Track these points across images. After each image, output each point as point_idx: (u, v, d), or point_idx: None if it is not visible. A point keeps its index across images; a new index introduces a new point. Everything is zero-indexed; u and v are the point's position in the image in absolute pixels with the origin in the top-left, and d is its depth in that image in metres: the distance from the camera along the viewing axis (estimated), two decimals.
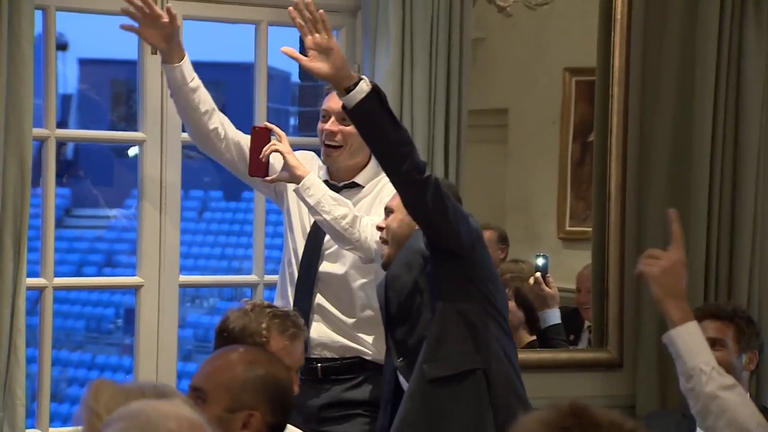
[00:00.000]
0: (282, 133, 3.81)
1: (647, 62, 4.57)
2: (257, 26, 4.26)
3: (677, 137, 4.53)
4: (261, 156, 3.74)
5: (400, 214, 3.52)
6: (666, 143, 4.54)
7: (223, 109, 3.92)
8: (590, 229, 4.67)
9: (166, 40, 3.71)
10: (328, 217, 3.65)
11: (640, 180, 4.58)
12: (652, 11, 4.55)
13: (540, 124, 4.82)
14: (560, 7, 4.65)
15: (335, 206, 3.66)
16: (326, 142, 3.83)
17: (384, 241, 3.59)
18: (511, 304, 4.49)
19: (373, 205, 3.77)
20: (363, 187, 3.84)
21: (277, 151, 3.73)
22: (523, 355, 4.15)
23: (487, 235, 4.68)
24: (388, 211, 3.60)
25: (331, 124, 3.81)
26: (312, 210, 3.70)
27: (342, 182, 3.85)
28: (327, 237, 3.82)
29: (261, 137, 3.78)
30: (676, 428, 3.99)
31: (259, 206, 4.37)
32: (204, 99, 3.80)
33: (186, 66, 3.75)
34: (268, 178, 3.80)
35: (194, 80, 3.77)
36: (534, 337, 4.54)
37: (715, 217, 4.50)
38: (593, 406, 1.75)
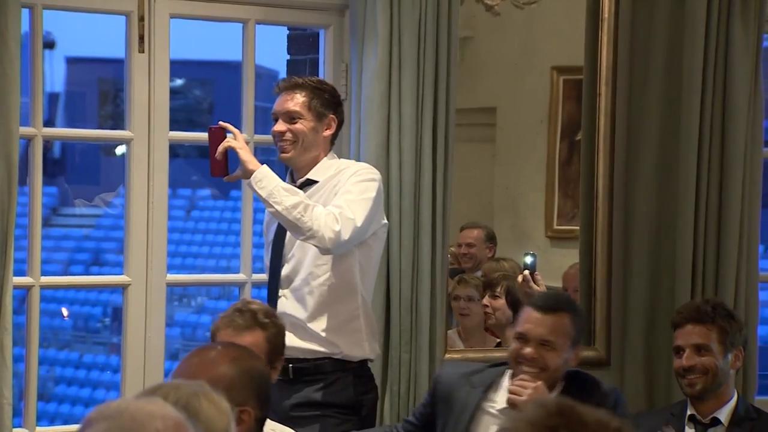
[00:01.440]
0: (236, 130, 3.82)
1: (634, 61, 4.58)
2: (245, 25, 4.26)
3: (664, 136, 4.54)
4: (216, 155, 3.76)
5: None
6: (653, 142, 4.55)
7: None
8: (578, 227, 4.68)
9: None
10: (280, 208, 3.66)
11: (627, 179, 4.59)
12: (639, 10, 4.56)
13: (528, 122, 4.82)
14: (548, 6, 4.65)
15: (287, 196, 3.66)
16: (278, 142, 3.86)
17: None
18: (501, 302, 4.51)
19: (330, 197, 3.77)
20: (317, 182, 3.85)
21: (230, 147, 3.75)
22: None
23: (475, 233, 4.70)
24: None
25: (278, 125, 3.85)
26: (265, 202, 3.70)
27: (299, 180, 3.86)
28: (287, 240, 3.83)
29: (217, 137, 3.78)
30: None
31: (247, 205, 4.36)
32: None
33: None
34: (226, 177, 3.81)
35: None
36: None
37: (702, 216, 4.51)
38: (580, 404, 1.75)
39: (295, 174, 3.88)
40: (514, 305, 4.44)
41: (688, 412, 3.96)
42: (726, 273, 4.51)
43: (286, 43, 4.91)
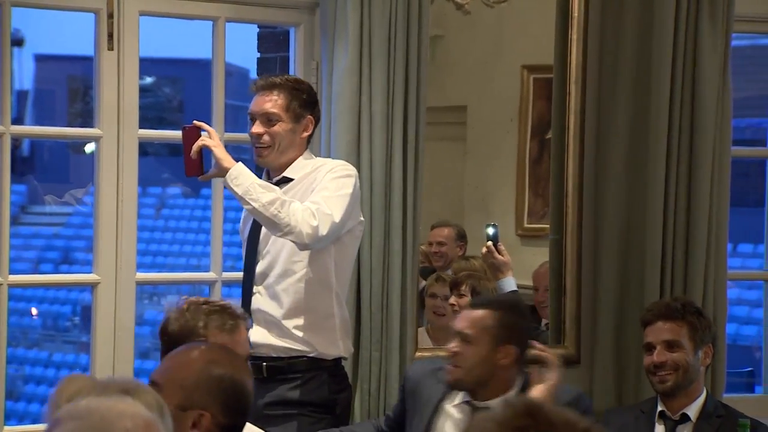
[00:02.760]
0: (210, 129, 3.81)
1: (604, 60, 4.59)
2: (215, 22, 4.24)
3: (633, 135, 4.55)
4: (191, 154, 3.74)
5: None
6: (623, 141, 4.56)
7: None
8: (548, 226, 4.69)
9: None
10: (256, 205, 3.64)
11: (597, 177, 4.60)
12: (608, 9, 4.57)
13: (498, 121, 4.82)
14: (518, 5, 4.65)
15: (263, 193, 3.65)
16: (255, 144, 3.84)
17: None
18: (466, 300, 4.51)
19: (306, 194, 3.76)
20: (292, 180, 3.84)
21: (204, 145, 3.73)
22: None
23: (446, 232, 4.70)
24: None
25: (256, 127, 3.84)
26: (241, 200, 3.68)
27: (274, 178, 3.84)
28: (261, 237, 3.82)
29: (191, 136, 3.76)
30: (635, 424, 4.02)
31: (218, 203, 4.35)
32: None
33: None
34: (201, 176, 3.79)
35: None
36: None
37: (671, 214, 4.53)
38: (547, 404, 1.75)
39: (272, 172, 3.87)
40: None
41: (659, 409, 3.98)
42: (695, 271, 4.53)
43: (256, 41, 4.90)
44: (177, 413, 2.48)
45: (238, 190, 3.67)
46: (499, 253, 4.39)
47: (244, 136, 4.14)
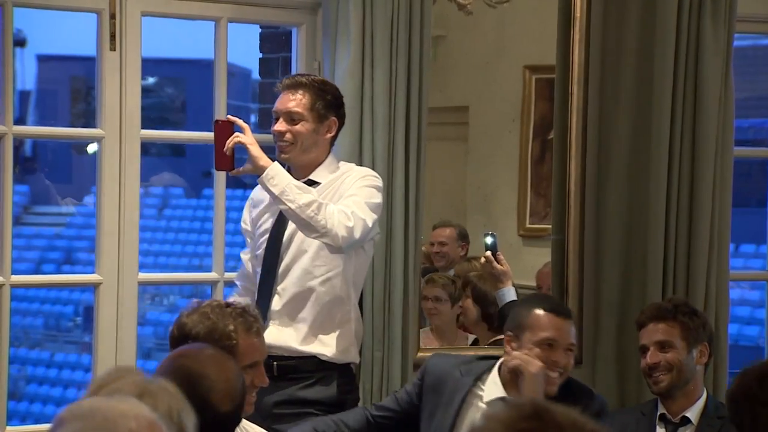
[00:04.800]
0: (245, 125, 3.80)
1: (606, 60, 4.59)
2: (217, 23, 4.24)
3: (636, 135, 4.55)
4: (225, 149, 3.74)
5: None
6: (625, 141, 4.56)
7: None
8: (550, 226, 4.69)
9: None
10: (293, 206, 3.64)
11: (599, 178, 4.60)
12: (610, 9, 4.57)
13: (500, 121, 4.82)
14: (520, 5, 4.65)
15: (300, 194, 3.65)
16: (278, 142, 3.85)
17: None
18: (468, 301, 4.51)
19: (333, 199, 3.76)
20: (320, 184, 3.84)
21: (240, 142, 3.73)
22: (484, 352, 4.16)
23: (447, 232, 4.70)
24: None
25: (279, 125, 3.84)
26: (277, 200, 3.68)
27: (300, 180, 3.84)
28: (285, 238, 3.82)
29: (224, 131, 3.76)
30: (636, 426, 4.02)
31: (220, 204, 4.35)
32: None
33: None
34: (233, 171, 3.80)
35: None
36: (500, 336, 4.54)
37: (673, 214, 4.53)
38: (554, 405, 1.74)
39: (294, 173, 3.86)
40: (478, 302, 4.46)
41: (659, 412, 3.98)
42: (697, 271, 4.53)
43: (258, 42, 4.90)
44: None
45: (275, 191, 3.67)
46: (498, 262, 4.39)
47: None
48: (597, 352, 4.59)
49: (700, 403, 3.95)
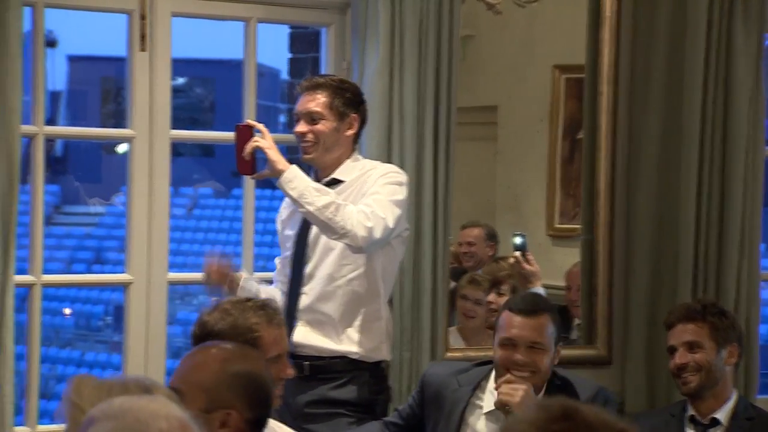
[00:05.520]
0: (264, 129, 3.81)
1: (636, 60, 4.57)
2: (247, 23, 4.25)
3: (666, 135, 4.53)
4: (244, 154, 3.75)
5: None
6: (655, 141, 4.54)
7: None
8: (579, 226, 4.67)
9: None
10: (311, 208, 3.65)
11: (629, 177, 4.58)
12: (640, 8, 4.55)
13: (529, 121, 4.81)
14: (549, 5, 4.64)
15: (318, 196, 3.66)
16: (300, 144, 3.87)
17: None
18: (504, 300, 4.50)
19: (357, 197, 3.76)
20: (344, 182, 3.84)
21: (258, 147, 3.74)
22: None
23: (476, 232, 4.69)
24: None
25: (301, 126, 3.85)
26: (296, 202, 3.70)
27: (323, 180, 3.85)
28: (311, 239, 3.82)
29: (244, 135, 3.78)
30: (665, 427, 3.99)
31: (249, 204, 4.36)
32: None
33: (247, 285, 3.83)
34: (253, 175, 3.81)
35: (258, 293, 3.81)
36: None
37: (704, 214, 4.51)
38: (583, 405, 1.72)
39: (319, 173, 3.87)
40: None
41: (688, 413, 3.96)
42: (727, 271, 4.51)
43: (287, 42, 4.91)
44: (203, 416, 2.48)
45: (293, 194, 3.68)
46: (528, 262, 4.37)
47: (276, 136, 4.13)
48: (626, 353, 4.57)
49: (730, 404, 3.93)
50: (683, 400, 4.01)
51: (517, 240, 4.42)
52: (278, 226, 4.03)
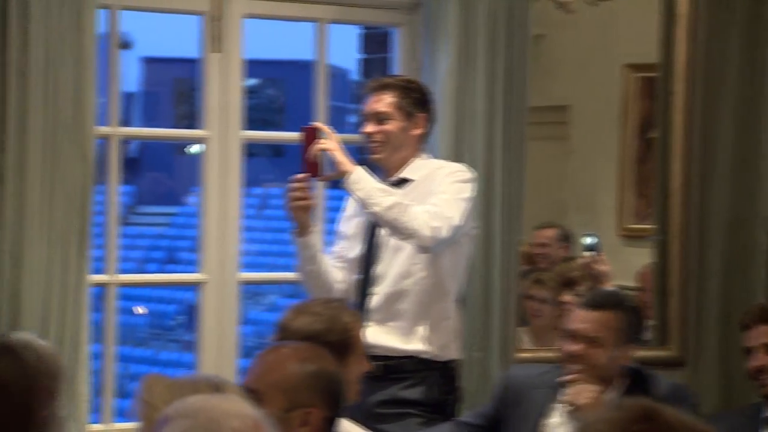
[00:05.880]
0: (329, 131, 3.82)
1: (710, 58, 4.51)
2: (318, 24, 4.25)
3: (741, 134, 4.48)
4: (310, 157, 3.76)
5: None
6: (729, 140, 4.49)
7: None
8: (650, 226, 4.64)
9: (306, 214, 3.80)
10: (377, 209, 3.66)
11: (702, 177, 4.53)
12: (715, 6, 4.50)
13: (601, 120, 4.79)
14: (621, 3, 4.61)
15: (384, 197, 3.67)
16: (368, 144, 3.87)
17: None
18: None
19: (425, 196, 3.76)
20: (413, 181, 3.84)
21: (324, 149, 3.75)
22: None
23: (549, 233, 4.67)
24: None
25: (368, 126, 3.85)
26: (362, 203, 3.71)
27: (390, 179, 3.85)
28: (379, 239, 3.82)
29: (310, 136, 3.79)
30: (740, 429, 3.94)
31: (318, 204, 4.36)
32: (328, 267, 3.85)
33: (315, 237, 3.84)
34: (320, 177, 3.82)
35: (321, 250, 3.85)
36: None
37: None
38: (663, 407, 1.70)
39: (387, 173, 3.87)
40: None
41: (764, 414, 3.90)
42: None
43: (357, 42, 4.91)
44: (283, 416, 2.51)
45: (360, 194, 3.69)
46: (599, 263, 4.34)
47: (345, 136, 4.14)
48: (700, 354, 4.53)
49: None
50: (758, 402, 3.95)
51: (589, 240, 4.40)
52: (342, 226, 4.03)
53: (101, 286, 4.04)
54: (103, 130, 4.00)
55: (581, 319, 3.55)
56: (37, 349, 2.50)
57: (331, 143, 3.77)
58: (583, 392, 3.45)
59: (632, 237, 4.80)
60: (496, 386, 3.80)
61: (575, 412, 3.45)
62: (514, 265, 4.23)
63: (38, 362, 2.48)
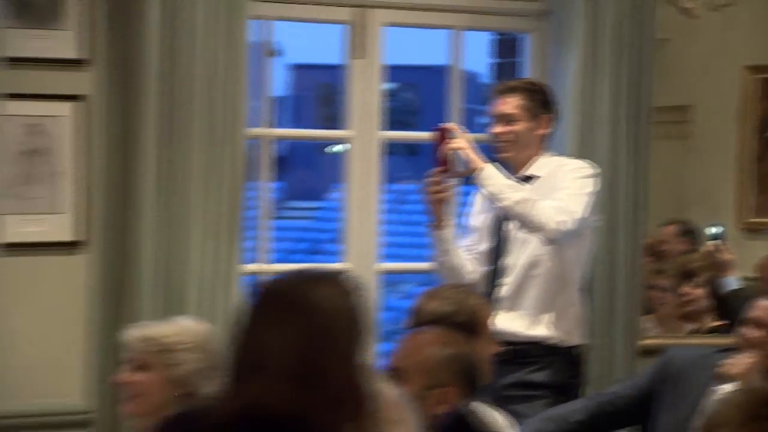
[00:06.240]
0: (460, 131, 3.84)
1: None
2: (453, 31, 4.26)
3: None
4: (443, 155, 3.78)
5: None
6: None
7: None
8: None
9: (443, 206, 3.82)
10: (507, 203, 3.68)
11: None
12: None
13: (721, 120, 4.73)
14: (741, 7, 4.53)
15: (513, 192, 3.69)
16: (497, 143, 3.88)
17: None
18: (700, 291, 4.39)
19: (551, 191, 3.75)
20: (539, 177, 3.83)
21: (455, 148, 3.77)
22: (708, 340, 4.08)
23: (669, 230, 4.62)
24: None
25: (497, 127, 3.86)
26: (493, 197, 3.73)
27: (517, 176, 3.85)
28: (507, 232, 3.82)
29: (441, 136, 3.81)
30: None
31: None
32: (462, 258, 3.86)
33: (449, 231, 3.85)
34: (452, 174, 3.83)
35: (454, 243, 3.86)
36: (720, 322, 4.41)
37: None
38: None
39: (514, 170, 3.88)
40: (716, 296, 4.34)
41: None
42: None
43: (488, 48, 4.90)
44: (424, 393, 2.56)
45: (491, 189, 3.72)
46: (723, 252, 4.26)
47: (476, 136, 4.14)
48: None
49: None
50: None
51: (714, 229, 4.33)
52: (471, 221, 4.04)
53: (254, 275, 4.11)
54: (255, 131, 4.07)
55: (764, 308, 3.47)
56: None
57: (462, 142, 3.79)
58: (739, 362, 3.38)
59: (752, 230, 4.72)
60: (656, 362, 3.70)
61: (728, 379, 3.37)
62: (638, 256, 4.19)
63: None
